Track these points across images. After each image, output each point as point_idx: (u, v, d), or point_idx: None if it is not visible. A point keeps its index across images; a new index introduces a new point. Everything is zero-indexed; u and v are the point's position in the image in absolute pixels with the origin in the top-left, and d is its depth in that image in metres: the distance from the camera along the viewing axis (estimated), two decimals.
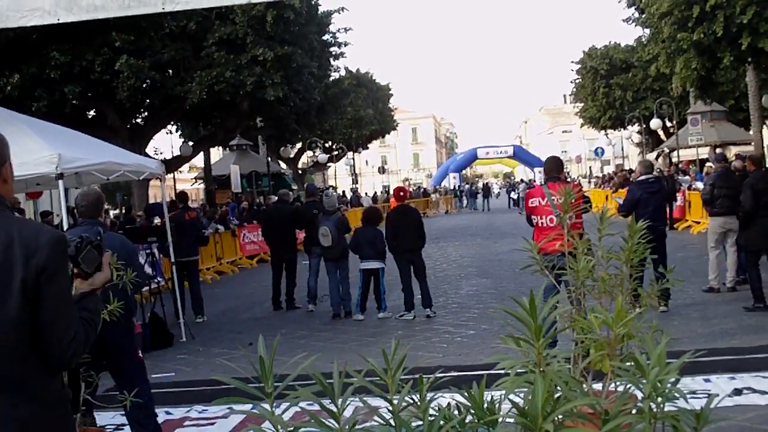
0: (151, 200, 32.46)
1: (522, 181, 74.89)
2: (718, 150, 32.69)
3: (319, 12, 33.51)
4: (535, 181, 57.82)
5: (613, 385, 3.29)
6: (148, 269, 15.49)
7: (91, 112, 30.42)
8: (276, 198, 19.79)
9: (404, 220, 14.27)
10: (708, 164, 23.97)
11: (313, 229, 15.37)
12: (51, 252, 3.01)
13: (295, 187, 46.47)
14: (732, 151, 36.94)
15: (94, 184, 12.43)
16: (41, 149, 10.48)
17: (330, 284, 14.90)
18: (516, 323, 2.47)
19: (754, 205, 12.62)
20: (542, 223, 9.49)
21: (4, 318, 2.94)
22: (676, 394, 2.29)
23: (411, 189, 79.68)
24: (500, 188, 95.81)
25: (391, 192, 22.95)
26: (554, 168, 10.10)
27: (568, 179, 64.44)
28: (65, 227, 11.12)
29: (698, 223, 25.15)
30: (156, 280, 16.01)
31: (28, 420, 2.97)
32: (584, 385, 3.20)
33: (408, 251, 14.13)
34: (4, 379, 2.95)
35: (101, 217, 7.31)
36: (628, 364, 2.55)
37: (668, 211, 22.33)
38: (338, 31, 35.92)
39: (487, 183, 76.28)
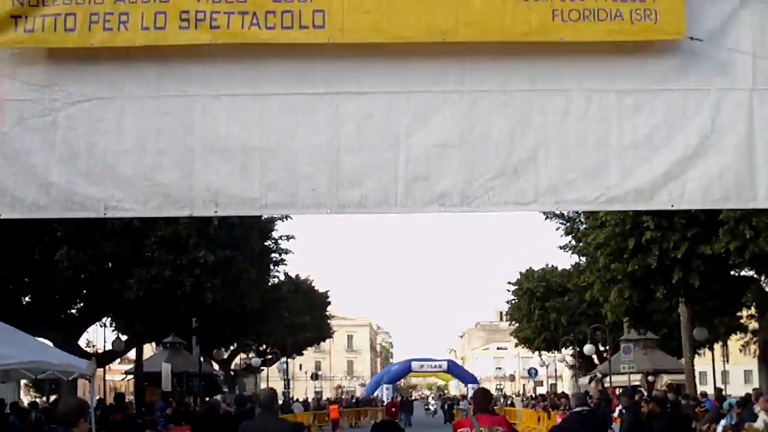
0: (80, 394, 31.37)
1: (464, 397, 74.18)
2: (638, 382, 32.81)
3: (263, 218, 33.89)
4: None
5: None
6: None
7: (26, 298, 29.88)
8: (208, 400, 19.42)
9: None
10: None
11: None
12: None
13: (225, 389, 45.51)
14: (664, 380, 37.35)
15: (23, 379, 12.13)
16: None
17: None
18: None
19: None
20: None
21: None
22: None
23: (344, 397, 78.69)
24: (435, 401, 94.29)
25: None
26: (483, 400, 10.20)
27: (500, 399, 63.78)
28: None
29: None
30: None
31: None
32: None
33: None
34: None
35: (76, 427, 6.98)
36: None
37: None
38: (281, 238, 36.30)
39: (406, 398, 73.86)
